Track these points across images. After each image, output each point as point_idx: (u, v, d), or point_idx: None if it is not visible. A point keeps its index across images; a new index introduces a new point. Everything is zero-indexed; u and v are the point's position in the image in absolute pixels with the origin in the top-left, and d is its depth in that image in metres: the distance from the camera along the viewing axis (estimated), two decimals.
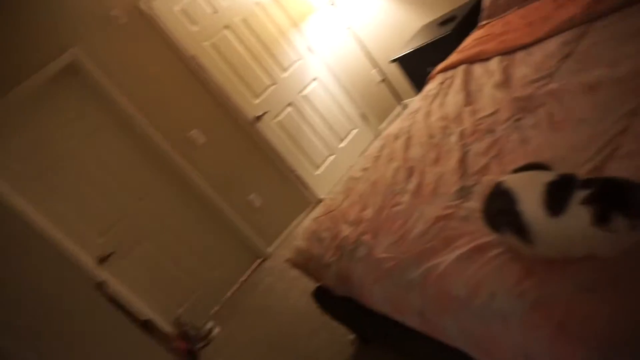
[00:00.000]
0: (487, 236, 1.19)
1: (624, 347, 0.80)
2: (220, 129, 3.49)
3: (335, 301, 1.87)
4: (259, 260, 3.68)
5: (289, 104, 3.79)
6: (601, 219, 0.84)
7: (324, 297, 2.02)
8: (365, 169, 2.11)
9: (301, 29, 3.87)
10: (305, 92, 3.86)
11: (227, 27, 3.50)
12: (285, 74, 3.79)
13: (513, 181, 1.09)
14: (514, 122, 1.60)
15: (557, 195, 0.96)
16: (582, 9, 1.91)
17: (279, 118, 3.73)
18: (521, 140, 1.49)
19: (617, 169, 1.10)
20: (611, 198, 0.84)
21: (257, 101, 3.63)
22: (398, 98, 4.04)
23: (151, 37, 3.23)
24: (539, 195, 0.99)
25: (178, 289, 3.29)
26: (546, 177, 1.03)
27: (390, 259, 1.43)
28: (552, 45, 1.91)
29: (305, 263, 1.94)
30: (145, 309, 3.01)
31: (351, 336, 2.23)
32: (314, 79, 3.93)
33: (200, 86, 3.41)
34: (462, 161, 1.59)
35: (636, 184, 0.84)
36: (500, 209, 1.08)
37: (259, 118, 3.59)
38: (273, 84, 3.72)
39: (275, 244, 3.71)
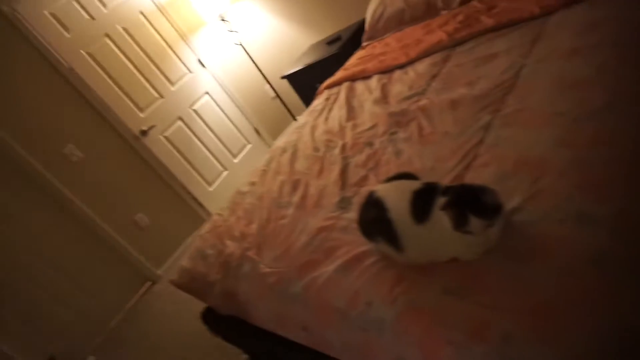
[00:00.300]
0: (364, 245, 1.21)
1: (485, 345, 0.83)
2: (100, 144, 3.20)
3: (225, 322, 1.78)
4: (148, 284, 3.41)
5: (179, 118, 3.61)
6: (458, 221, 0.88)
7: (214, 319, 1.91)
8: (252, 183, 2.07)
9: (191, 43, 3.73)
10: (196, 106, 3.72)
11: (107, 35, 3.25)
12: (174, 88, 3.62)
13: (383, 190, 1.11)
14: (389, 136, 1.68)
15: (422, 203, 0.99)
16: (447, 35, 2.10)
17: (168, 132, 3.54)
18: (395, 153, 1.56)
19: (474, 177, 1.18)
20: (466, 202, 0.88)
21: (143, 115, 3.40)
22: (292, 114, 4.07)
23: (16, 43, 2.87)
24: (406, 203, 1.02)
25: (53, 323, 2.91)
26: (413, 185, 1.06)
27: (274, 273, 1.39)
28: (423, 65, 2.06)
29: (189, 283, 1.83)
30: (10, 352, 2.59)
31: (244, 357, 2.14)
32: (205, 93, 3.81)
33: (76, 96, 3.10)
34: (343, 173, 1.61)
35: (488, 188, 0.90)
36: (373, 218, 1.09)
37: (145, 132, 3.37)
38: (160, 97, 3.52)
39: (166, 266, 3.48)
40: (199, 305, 2.04)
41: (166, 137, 3.53)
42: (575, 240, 0.86)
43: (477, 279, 0.92)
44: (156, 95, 3.52)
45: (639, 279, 0.79)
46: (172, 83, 3.62)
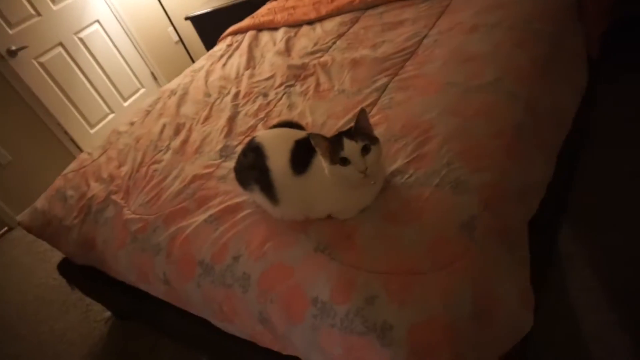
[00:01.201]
0: (240, 197, 1.16)
1: (348, 305, 0.81)
2: None
3: (86, 275, 1.59)
4: (3, 229, 2.97)
5: (60, 44, 3.13)
6: (334, 150, 0.87)
7: (74, 271, 1.69)
8: (131, 123, 1.88)
9: None
10: (82, 34, 3.25)
11: None
12: (56, 7, 3.10)
13: (264, 137, 1.05)
14: (285, 88, 1.62)
15: (303, 153, 0.95)
16: None
17: (44, 58, 3.04)
18: (289, 105, 1.51)
19: None
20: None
21: (12, 31, 2.87)
22: (193, 60, 3.76)
23: None
24: (286, 152, 0.97)
25: None
26: (297, 135, 1.02)
27: (139, 220, 1.30)
28: (332, 24, 2.00)
29: (42, 227, 1.59)
30: None
31: (107, 313, 1.95)
32: (96, 22, 3.34)
33: None
34: (231, 121, 1.56)
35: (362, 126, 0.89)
36: (250, 165, 1.04)
37: (13, 52, 2.86)
38: (37, 15, 3.00)
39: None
40: (59, 256, 1.81)
41: (41, 64, 3.04)
42: (449, 206, 0.87)
43: (349, 239, 0.91)
44: (32, 11, 2.99)
45: (500, 248, 0.83)
46: (53, 0, 3.11)
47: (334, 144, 0.87)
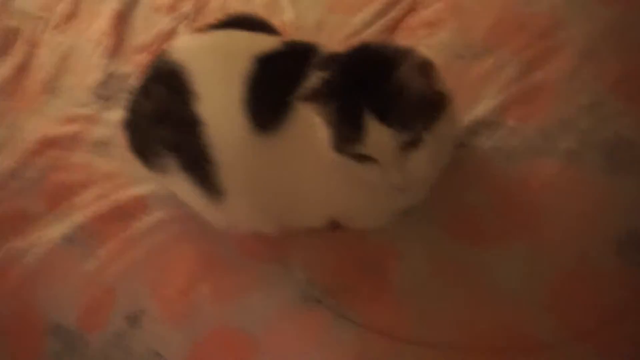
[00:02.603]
0: (138, 184, 1.20)
1: None
2: None
3: None
4: None
5: None
6: (342, 130, 0.86)
7: None
8: None
9: None
10: None
11: None
12: None
13: (191, 51, 1.07)
14: None
15: (274, 85, 0.97)
16: None
17: None
18: None
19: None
20: (361, 88, 0.85)
21: None
22: None
23: None
24: (238, 83, 0.98)
25: None
26: (259, 44, 1.03)
27: None
28: None
29: None
30: None
31: None
32: None
33: None
34: (120, 21, 1.56)
35: (412, 57, 0.85)
36: (160, 113, 1.05)
37: None
38: None
39: None
40: None
41: None
42: (595, 201, 0.90)
43: (376, 276, 0.93)
44: None
45: None
46: None
47: (345, 115, 0.85)
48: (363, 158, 0.84)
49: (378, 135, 0.81)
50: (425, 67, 0.86)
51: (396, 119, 0.81)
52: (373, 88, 0.84)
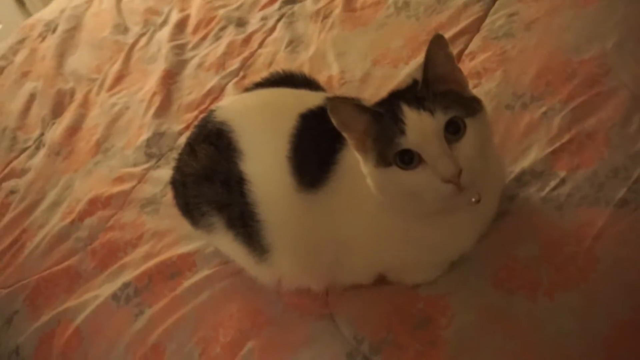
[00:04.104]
0: (187, 242, 1.20)
1: None
2: None
3: None
4: None
5: None
6: (385, 131, 0.85)
7: None
8: None
9: None
10: None
11: None
12: None
13: (237, 110, 1.08)
14: (282, 6, 1.65)
15: (320, 142, 0.96)
16: None
17: None
18: (290, 41, 1.54)
19: None
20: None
21: None
22: None
23: None
24: (284, 141, 0.99)
25: None
26: (305, 102, 1.03)
27: None
28: None
29: None
30: None
31: None
32: None
33: None
34: (170, 81, 1.59)
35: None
36: (206, 172, 1.05)
37: None
38: None
39: None
40: None
41: None
42: None
43: (426, 333, 0.91)
44: None
45: None
46: None
47: (382, 120, 0.84)
48: (410, 163, 0.82)
49: (418, 122, 0.82)
50: (446, 53, 0.87)
51: (431, 103, 0.82)
52: (405, 88, 0.88)
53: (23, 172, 1.55)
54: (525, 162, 1.02)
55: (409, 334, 0.90)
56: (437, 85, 0.84)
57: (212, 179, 1.03)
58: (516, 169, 1.02)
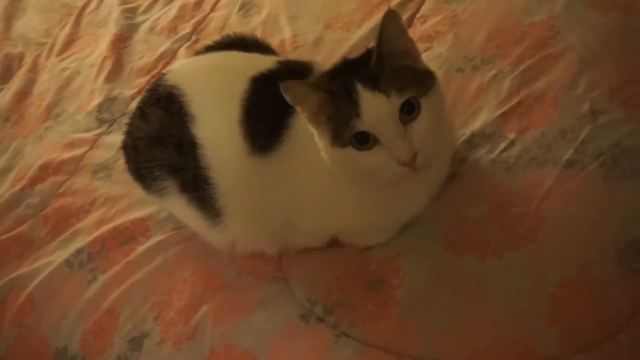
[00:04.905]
0: (140, 207, 1.20)
1: None
2: None
3: None
4: None
5: None
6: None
7: None
8: None
9: None
10: None
11: None
12: None
13: (188, 74, 1.08)
14: None
15: (271, 105, 0.96)
16: None
17: None
18: (243, 5, 1.52)
19: None
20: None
21: None
22: None
23: None
24: (236, 104, 0.99)
25: None
26: (256, 65, 1.03)
27: None
28: None
29: None
30: None
31: None
32: None
33: None
34: (121, 45, 1.57)
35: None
36: (158, 135, 1.05)
37: None
38: None
39: None
40: None
41: None
42: (596, 210, 0.88)
43: (379, 294, 0.91)
44: None
45: None
46: None
47: (336, 99, 0.84)
48: (365, 143, 0.83)
49: (373, 104, 0.82)
50: (399, 26, 0.87)
51: (386, 83, 0.82)
52: (361, 65, 0.86)
53: None
54: (476, 125, 1.03)
55: (361, 295, 0.91)
56: (391, 61, 0.84)
57: (164, 142, 1.03)
58: (467, 131, 1.03)
